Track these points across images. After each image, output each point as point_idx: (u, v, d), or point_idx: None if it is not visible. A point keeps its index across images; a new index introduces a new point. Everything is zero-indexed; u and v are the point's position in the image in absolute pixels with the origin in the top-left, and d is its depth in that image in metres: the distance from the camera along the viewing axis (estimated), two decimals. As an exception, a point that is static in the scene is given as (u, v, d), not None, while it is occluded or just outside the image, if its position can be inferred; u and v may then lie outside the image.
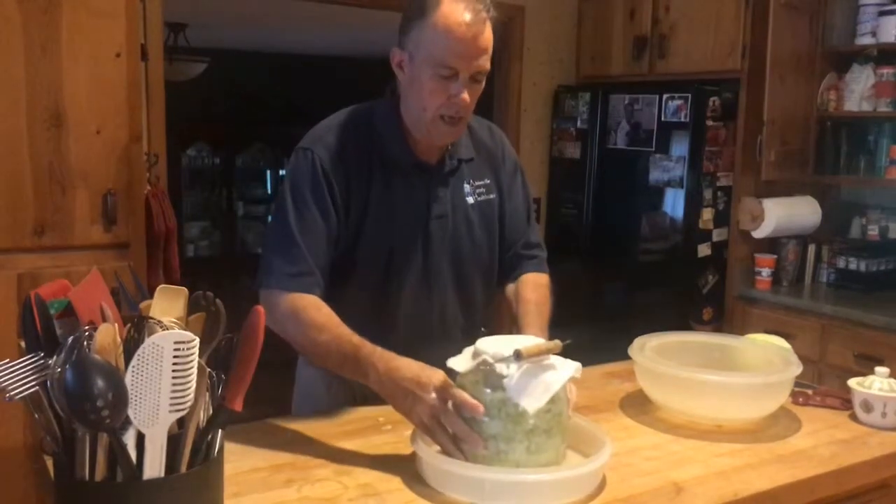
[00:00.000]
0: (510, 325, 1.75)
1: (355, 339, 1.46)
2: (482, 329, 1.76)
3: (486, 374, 1.29)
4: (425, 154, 1.65)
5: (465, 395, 1.29)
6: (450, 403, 1.31)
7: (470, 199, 1.71)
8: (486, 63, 1.52)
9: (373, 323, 1.59)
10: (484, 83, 1.57)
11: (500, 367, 1.28)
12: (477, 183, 1.72)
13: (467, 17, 1.47)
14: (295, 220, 1.57)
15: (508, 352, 1.28)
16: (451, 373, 1.35)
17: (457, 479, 1.24)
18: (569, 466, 1.31)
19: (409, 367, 1.39)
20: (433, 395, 1.33)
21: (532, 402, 1.26)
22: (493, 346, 1.31)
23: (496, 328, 1.70)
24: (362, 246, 1.62)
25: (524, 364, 1.28)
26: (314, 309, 1.52)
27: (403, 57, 1.55)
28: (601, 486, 1.29)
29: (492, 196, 1.75)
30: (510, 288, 1.80)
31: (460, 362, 1.33)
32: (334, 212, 1.58)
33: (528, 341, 1.33)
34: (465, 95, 1.52)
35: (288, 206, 1.58)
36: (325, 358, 1.53)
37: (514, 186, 1.81)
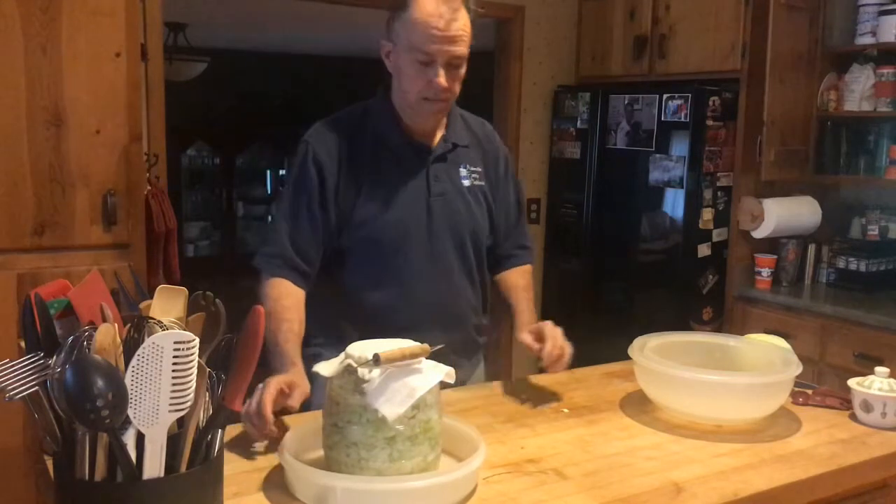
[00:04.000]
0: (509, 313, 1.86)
1: (280, 336, 1.58)
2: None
3: (354, 379, 1.25)
4: (419, 136, 1.76)
5: (265, 415, 1.37)
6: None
7: (466, 182, 1.81)
8: (460, 49, 1.64)
9: (384, 305, 1.71)
10: (464, 67, 1.68)
11: (362, 372, 1.23)
12: (472, 168, 1.82)
13: (440, 8, 1.60)
14: (285, 207, 1.73)
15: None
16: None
17: (310, 486, 1.21)
18: (430, 475, 1.26)
19: (279, 370, 1.50)
20: (254, 404, 1.39)
21: (392, 408, 1.21)
22: (361, 350, 1.26)
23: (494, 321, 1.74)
24: (364, 229, 1.71)
25: (387, 369, 1.23)
26: (273, 299, 1.64)
27: (389, 47, 1.70)
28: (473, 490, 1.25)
29: (483, 183, 1.84)
30: (502, 278, 1.91)
31: (329, 366, 1.29)
32: (325, 198, 1.70)
33: (393, 345, 1.27)
34: (442, 79, 1.64)
35: (284, 193, 1.77)
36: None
37: (507, 185, 1.91)
